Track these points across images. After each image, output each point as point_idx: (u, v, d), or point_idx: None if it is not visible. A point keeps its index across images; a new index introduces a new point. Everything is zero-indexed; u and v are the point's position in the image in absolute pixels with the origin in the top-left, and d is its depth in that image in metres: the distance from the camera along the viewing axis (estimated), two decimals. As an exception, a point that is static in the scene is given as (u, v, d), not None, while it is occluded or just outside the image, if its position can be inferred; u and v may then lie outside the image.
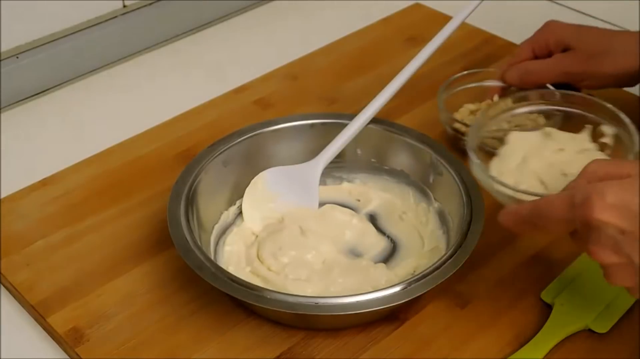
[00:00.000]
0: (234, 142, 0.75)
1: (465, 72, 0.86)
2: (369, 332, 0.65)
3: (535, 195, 0.62)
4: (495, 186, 0.65)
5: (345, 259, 0.71)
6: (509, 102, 0.75)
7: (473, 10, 0.81)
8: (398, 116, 0.85)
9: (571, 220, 0.54)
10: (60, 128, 0.90)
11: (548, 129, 0.72)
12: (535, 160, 0.68)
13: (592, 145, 0.70)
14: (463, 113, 0.84)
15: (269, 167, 0.76)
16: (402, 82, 0.77)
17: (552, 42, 0.81)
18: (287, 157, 0.76)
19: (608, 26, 0.99)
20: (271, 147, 0.77)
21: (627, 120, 0.69)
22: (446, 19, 0.80)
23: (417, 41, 0.98)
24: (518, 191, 0.64)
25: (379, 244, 0.73)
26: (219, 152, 0.74)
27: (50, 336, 0.67)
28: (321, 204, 0.76)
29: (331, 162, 0.75)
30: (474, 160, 0.68)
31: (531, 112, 0.76)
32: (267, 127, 0.77)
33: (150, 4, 1.00)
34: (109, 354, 0.64)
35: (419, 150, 0.75)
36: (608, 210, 0.52)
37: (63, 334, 0.65)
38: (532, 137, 0.71)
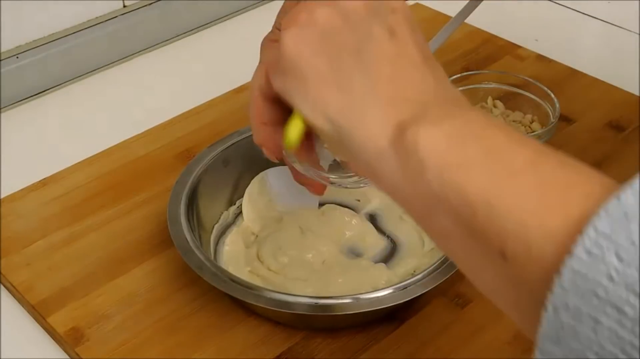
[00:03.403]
0: (234, 142, 0.75)
1: (464, 74, 0.86)
2: (369, 332, 0.65)
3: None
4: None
5: (345, 259, 0.71)
6: (500, 105, 0.74)
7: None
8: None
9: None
10: (60, 128, 0.90)
11: None
12: None
13: None
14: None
15: (269, 167, 0.75)
16: None
17: None
18: (287, 157, 0.76)
19: (608, 26, 0.99)
20: (271, 147, 0.77)
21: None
22: (447, 19, 0.80)
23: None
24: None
25: (378, 244, 0.73)
26: (218, 152, 0.74)
27: (50, 336, 0.67)
28: (321, 204, 0.76)
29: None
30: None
31: None
32: (267, 127, 0.77)
33: (150, 4, 1.00)
34: (109, 354, 0.64)
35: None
36: None
37: (63, 334, 0.65)
38: None
